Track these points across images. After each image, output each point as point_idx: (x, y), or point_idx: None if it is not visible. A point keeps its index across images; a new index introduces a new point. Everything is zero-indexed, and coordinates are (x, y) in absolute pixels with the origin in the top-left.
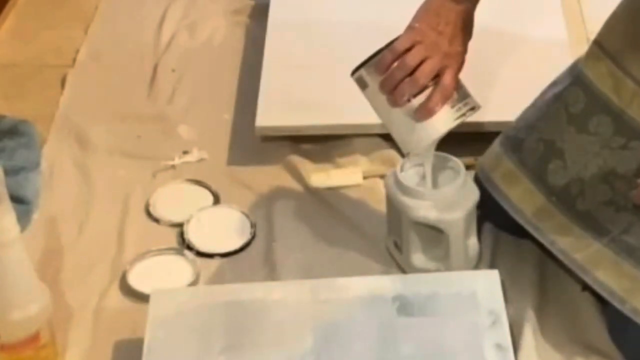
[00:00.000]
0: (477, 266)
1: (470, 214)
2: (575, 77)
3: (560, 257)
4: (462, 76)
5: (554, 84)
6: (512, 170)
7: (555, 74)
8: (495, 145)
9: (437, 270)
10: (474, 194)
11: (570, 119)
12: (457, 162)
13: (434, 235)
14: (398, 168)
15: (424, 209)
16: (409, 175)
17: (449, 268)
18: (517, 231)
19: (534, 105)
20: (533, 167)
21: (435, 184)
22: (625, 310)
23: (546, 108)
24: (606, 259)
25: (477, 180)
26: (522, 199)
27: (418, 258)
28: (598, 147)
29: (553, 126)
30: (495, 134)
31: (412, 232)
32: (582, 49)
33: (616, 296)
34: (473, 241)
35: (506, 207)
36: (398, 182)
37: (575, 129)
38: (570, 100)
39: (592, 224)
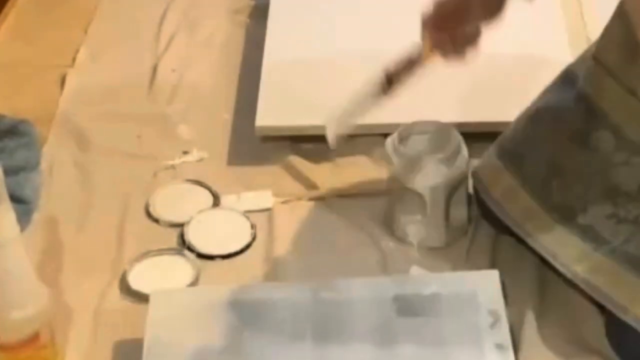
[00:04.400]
0: (461, 238)
1: (452, 184)
2: (573, 91)
3: (562, 270)
4: (462, 76)
5: (547, 91)
6: (512, 186)
7: (554, 74)
8: (493, 157)
9: (418, 235)
10: (462, 166)
11: (571, 135)
12: (455, 132)
13: (418, 200)
14: (395, 135)
15: (404, 171)
16: (408, 141)
17: (429, 236)
18: (517, 234)
19: (529, 115)
20: (535, 184)
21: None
22: (629, 319)
23: (544, 123)
24: (607, 269)
25: (475, 190)
26: (523, 215)
27: (402, 220)
28: (599, 163)
29: (553, 143)
30: (494, 134)
31: (397, 195)
32: (583, 49)
33: (618, 305)
34: (459, 211)
35: (508, 222)
36: (396, 149)
37: (576, 145)
38: (570, 115)
39: (593, 236)
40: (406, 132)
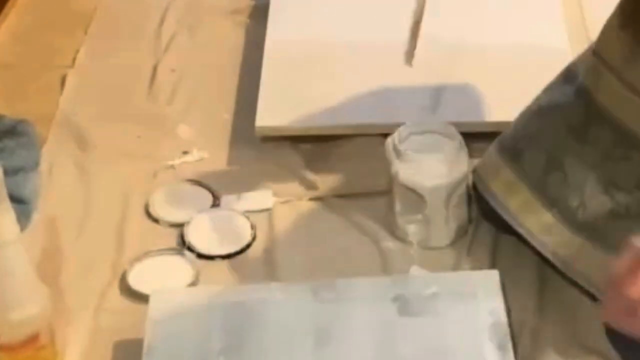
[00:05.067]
0: (461, 238)
1: (452, 183)
2: (573, 87)
3: (562, 267)
4: (462, 77)
5: (549, 88)
6: (512, 181)
7: (555, 74)
8: (493, 154)
9: (418, 235)
10: (462, 166)
11: (569, 130)
12: (454, 132)
13: (418, 200)
14: (395, 135)
15: (404, 171)
16: (408, 141)
17: (429, 236)
18: (517, 233)
19: (530, 112)
20: (534, 178)
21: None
22: None
23: (544, 118)
24: (607, 266)
25: (475, 188)
26: (522, 210)
27: (402, 220)
28: (598, 158)
29: (552, 137)
30: (494, 134)
31: (397, 195)
32: (582, 49)
33: None
34: (459, 211)
35: (507, 218)
36: (396, 149)
37: (574, 140)
38: (569, 110)
39: (593, 234)
40: (406, 132)
